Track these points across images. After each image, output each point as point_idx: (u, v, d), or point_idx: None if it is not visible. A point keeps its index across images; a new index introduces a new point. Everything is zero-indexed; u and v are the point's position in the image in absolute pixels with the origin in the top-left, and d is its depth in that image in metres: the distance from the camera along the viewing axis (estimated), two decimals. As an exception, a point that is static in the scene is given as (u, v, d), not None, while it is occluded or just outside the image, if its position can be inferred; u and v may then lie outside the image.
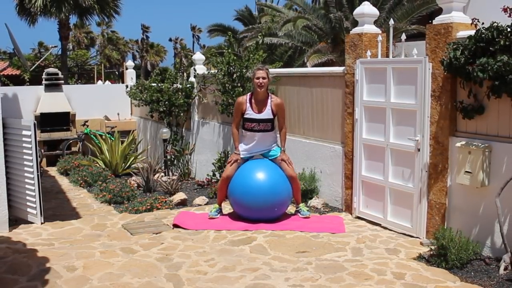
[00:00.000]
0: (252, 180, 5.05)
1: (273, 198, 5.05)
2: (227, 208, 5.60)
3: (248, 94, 5.32)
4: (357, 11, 5.36)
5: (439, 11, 4.54)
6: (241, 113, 5.21)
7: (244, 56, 6.97)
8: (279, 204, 5.13)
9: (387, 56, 5.15)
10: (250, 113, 5.17)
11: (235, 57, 6.84)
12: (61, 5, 17.68)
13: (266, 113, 5.16)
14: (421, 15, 9.42)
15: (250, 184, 5.04)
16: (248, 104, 5.18)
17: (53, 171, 9.44)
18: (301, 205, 5.34)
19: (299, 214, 5.29)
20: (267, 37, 9.75)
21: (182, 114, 8.38)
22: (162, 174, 7.95)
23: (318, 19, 10.15)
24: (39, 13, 17.71)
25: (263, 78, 5.09)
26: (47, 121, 10.16)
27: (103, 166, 8.75)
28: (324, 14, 10.09)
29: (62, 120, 10.36)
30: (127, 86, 9.59)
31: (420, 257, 4.13)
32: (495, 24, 3.88)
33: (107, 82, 16.78)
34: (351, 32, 5.46)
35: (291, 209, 5.56)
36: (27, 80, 18.69)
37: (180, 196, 6.37)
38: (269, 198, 5.02)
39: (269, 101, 5.19)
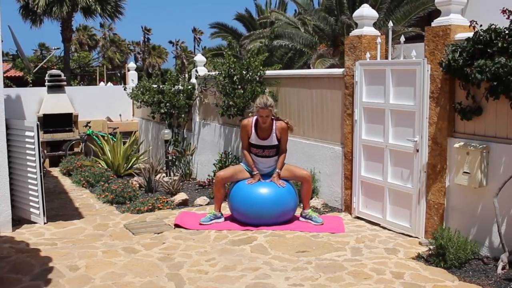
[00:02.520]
0: (257, 195, 4.96)
1: (277, 209, 4.98)
2: (227, 208, 5.64)
3: (254, 118, 5.16)
4: (357, 13, 5.40)
5: (437, 12, 4.58)
6: (248, 136, 5.13)
7: (244, 58, 7.04)
8: (284, 213, 5.08)
9: (386, 58, 5.19)
10: (254, 139, 5.09)
11: (235, 60, 6.88)
12: (63, 4, 17.81)
13: (271, 140, 5.06)
14: (419, 16, 9.46)
15: (255, 198, 4.95)
16: (253, 129, 5.10)
17: (56, 171, 9.51)
18: (310, 211, 5.19)
19: (311, 221, 5.08)
20: (267, 39, 9.84)
21: (183, 115, 8.44)
22: (164, 174, 8.00)
23: (318, 21, 10.21)
24: (42, 13, 17.83)
25: (267, 116, 4.99)
26: (50, 122, 10.23)
27: (105, 167, 8.82)
28: (324, 16, 10.14)
29: (64, 121, 10.43)
30: (125, 89, 9.63)
31: (418, 257, 4.16)
32: (493, 26, 3.91)
33: (109, 83, 16.83)
34: (350, 34, 5.50)
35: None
36: (30, 81, 18.79)
37: (181, 196, 6.41)
38: (272, 209, 4.96)
39: (273, 127, 5.08)
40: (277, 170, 5.12)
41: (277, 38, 10.27)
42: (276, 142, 5.11)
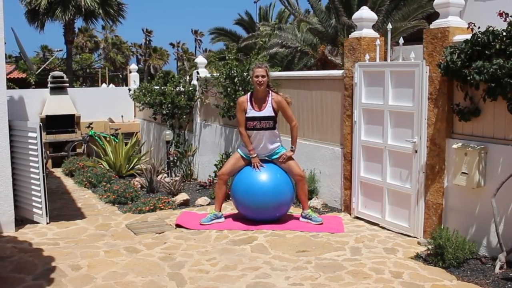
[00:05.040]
0: (255, 181, 5.03)
1: (276, 199, 5.03)
2: (228, 208, 5.68)
3: (248, 93, 5.25)
4: (356, 15, 5.44)
5: (435, 15, 4.62)
6: (244, 112, 5.13)
7: (245, 60, 7.09)
8: (282, 205, 5.13)
9: (385, 59, 5.23)
10: (251, 111, 5.09)
11: (236, 63, 6.93)
12: (66, 7, 17.90)
13: (267, 111, 5.06)
14: (418, 18, 9.49)
15: (253, 184, 5.02)
16: (248, 103, 5.11)
17: (58, 172, 9.57)
18: (310, 211, 5.22)
19: (310, 221, 5.11)
20: (268, 48, 9.88)
21: (184, 116, 8.50)
22: (165, 175, 8.04)
23: (319, 23, 10.26)
24: (44, 14, 17.92)
25: (262, 76, 5.01)
26: (52, 123, 10.30)
27: (107, 167, 8.87)
28: (324, 18, 10.18)
29: (67, 122, 10.50)
30: (129, 90, 9.71)
31: (417, 257, 4.19)
32: (491, 28, 3.95)
33: (111, 85, 16.91)
34: (350, 36, 5.54)
35: (291, 209, 5.62)
36: (33, 83, 18.90)
37: (182, 196, 6.45)
38: (272, 199, 5.01)
39: (269, 98, 5.09)
40: (291, 146, 5.15)
41: (276, 45, 10.32)
42: (272, 114, 5.08)
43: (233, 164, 5.24)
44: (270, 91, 5.17)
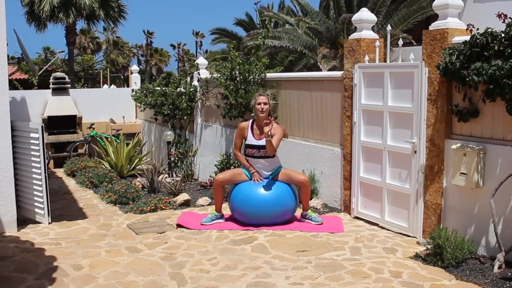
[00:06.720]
0: (255, 192, 5.01)
1: (277, 212, 5.04)
2: (228, 208, 5.70)
3: (250, 120, 5.30)
4: (356, 17, 5.47)
5: (434, 16, 4.65)
6: (243, 138, 5.22)
7: (247, 60, 7.12)
8: (284, 214, 5.13)
9: (385, 61, 5.25)
10: (251, 140, 5.14)
11: (240, 61, 6.94)
12: (68, 10, 17.96)
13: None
14: (418, 20, 9.51)
15: (255, 199, 5.00)
16: (249, 130, 5.17)
17: (60, 172, 9.61)
18: (310, 211, 5.26)
19: (311, 221, 5.16)
20: (268, 39, 9.91)
21: (185, 117, 8.53)
22: (166, 175, 8.08)
23: (318, 24, 10.27)
24: (47, 18, 18.00)
25: (264, 103, 5.07)
26: (54, 124, 10.35)
27: (109, 168, 8.90)
28: (323, 19, 10.19)
29: (69, 123, 10.54)
30: (132, 90, 9.75)
31: (416, 256, 4.21)
32: (490, 29, 3.97)
33: (112, 86, 16.95)
34: (349, 37, 5.57)
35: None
36: (35, 84, 18.96)
37: (183, 197, 6.48)
38: (274, 213, 5.02)
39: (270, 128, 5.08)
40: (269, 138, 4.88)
41: (276, 38, 10.33)
42: None
43: (232, 175, 5.24)
44: (272, 120, 5.12)
